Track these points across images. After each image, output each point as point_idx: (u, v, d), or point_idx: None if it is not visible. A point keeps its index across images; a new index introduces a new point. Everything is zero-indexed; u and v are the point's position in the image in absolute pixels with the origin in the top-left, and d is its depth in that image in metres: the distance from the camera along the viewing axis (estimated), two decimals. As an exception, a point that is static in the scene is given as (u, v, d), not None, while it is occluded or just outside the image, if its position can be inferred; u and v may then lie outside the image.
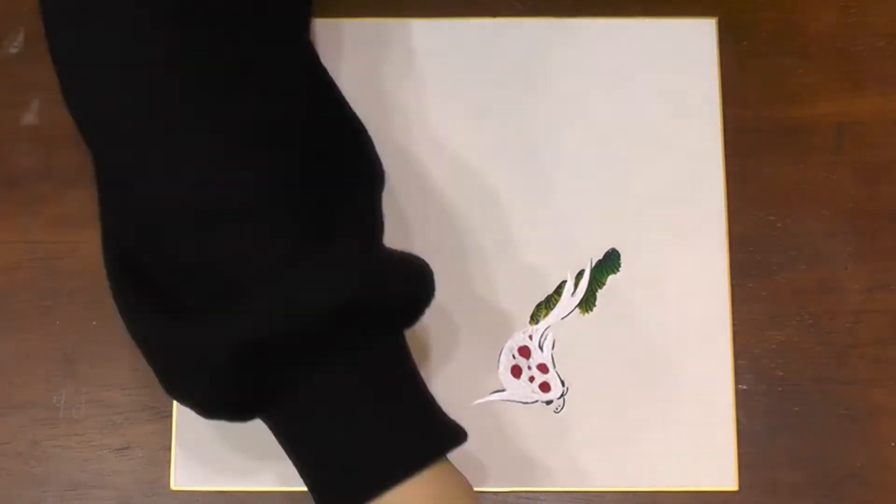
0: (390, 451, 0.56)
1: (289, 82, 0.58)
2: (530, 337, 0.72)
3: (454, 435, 0.58)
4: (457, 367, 0.71)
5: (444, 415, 0.59)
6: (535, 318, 0.72)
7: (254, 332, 0.53)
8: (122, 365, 0.71)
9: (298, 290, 0.53)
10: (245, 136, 0.55)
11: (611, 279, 0.72)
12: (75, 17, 0.55)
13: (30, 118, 0.74)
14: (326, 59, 0.75)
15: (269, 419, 0.58)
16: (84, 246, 0.72)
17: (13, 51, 0.75)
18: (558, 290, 0.72)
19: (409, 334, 0.71)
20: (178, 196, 0.54)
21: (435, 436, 0.58)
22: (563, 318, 0.71)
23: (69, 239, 0.73)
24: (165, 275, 0.56)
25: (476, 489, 0.69)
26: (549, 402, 0.71)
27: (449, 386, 0.71)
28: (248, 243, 0.54)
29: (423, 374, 0.71)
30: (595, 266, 0.72)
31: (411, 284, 0.58)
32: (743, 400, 0.70)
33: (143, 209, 0.55)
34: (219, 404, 0.56)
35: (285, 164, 0.55)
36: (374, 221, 0.59)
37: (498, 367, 0.71)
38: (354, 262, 0.55)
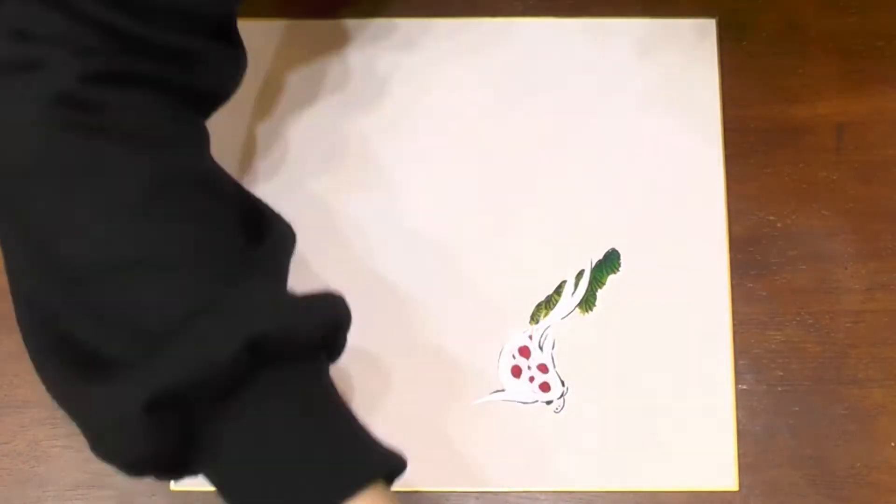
0: (320, 483, 0.54)
1: (193, 140, 0.59)
2: (530, 337, 0.72)
3: (384, 461, 0.57)
4: (457, 367, 0.71)
5: (377, 443, 0.57)
6: (535, 318, 0.72)
7: (164, 381, 0.52)
8: (122, 365, 0.71)
9: (207, 335, 0.53)
10: (156, 190, 0.55)
11: (611, 279, 0.72)
12: None
13: (30, 118, 0.74)
14: (327, 60, 0.75)
15: (199, 471, 0.57)
16: (84, 246, 0.72)
17: (13, 51, 0.75)
18: (558, 290, 0.72)
19: (410, 334, 0.71)
20: (95, 251, 0.55)
21: (365, 463, 0.56)
22: (563, 318, 0.72)
23: (69, 239, 0.72)
24: (86, 330, 0.56)
25: (476, 489, 0.69)
26: (549, 402, 0.71)
27: (449, 386, 0.71)
28: (159, 293, 0.54)
29: (424, 373, 0.71)
30: (595, 266, 0.72)
31: (320, 316, 0.57)
32: (743, 400, 0.70)
33: (65, 265, 0.55)
34: (141, 461, 0.55)
35: (196, 218, 0.56)
36: (279, 271, 0.60)
37: (498, 367, 0.71)
38: (259, 301, 0.55)
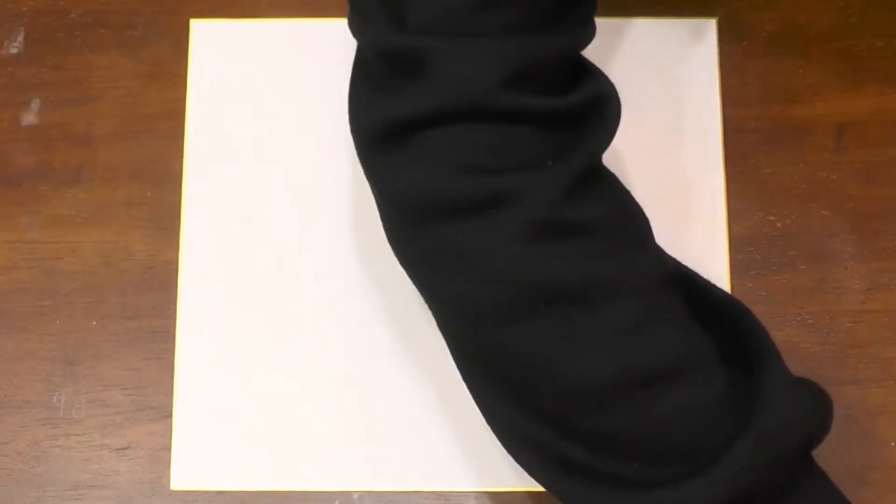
0: None
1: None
2: (530, 337, 0.71)
3: None
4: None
5: None
6: (535, 318, 0.72)
7: (733, 486, 0.54)
8: (122, 365, 0.71)
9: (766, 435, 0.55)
10: (653, 300, 0.57)
11: (611, 279, 0.72)
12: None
13: (30, 118, 0.74)
14: (329, 61, 0.75)
15: None
16: (84, 246, 0.72)
17: (13, 51, 0.75)
18: (558, 290, 0.72)
19: (410, 333, 0.71)
20: (612, 368, 0.55)
21: None
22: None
23: (69, 239, 0.73)
24: (584, 447, 0.56)
25: (476, 489, 0.69)
26: (549, 402, 0.70)
27: (449, 386, 0.71)
28: (692, 405, 0.55)
29: (424, 373, 0.71)
30: (595, 266, 0.72)
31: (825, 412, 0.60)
32: (743, 400, 0.70)
33: (559, 389, 0.56)
34: None
35: (685, 322, 0.58)
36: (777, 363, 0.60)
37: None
38: (802, 403, 0.57)
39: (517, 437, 0.59)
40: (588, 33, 0.60)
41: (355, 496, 0.69)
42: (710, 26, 0.75)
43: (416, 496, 0.69)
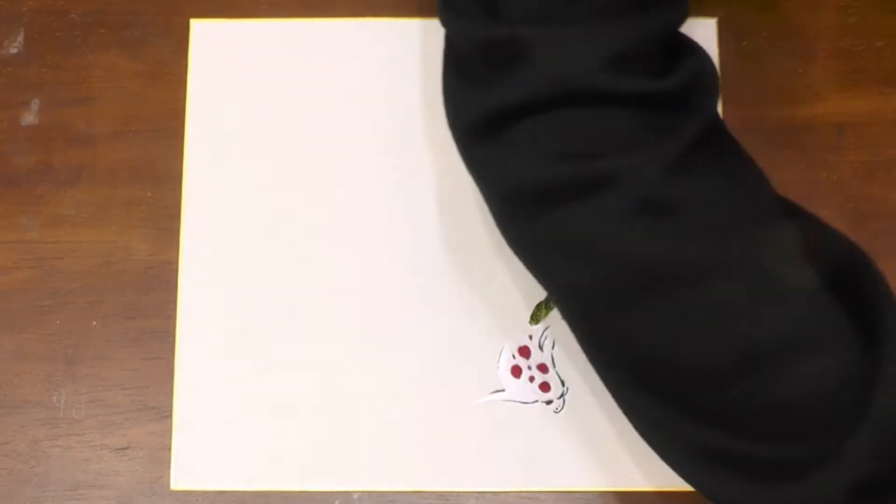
0: None
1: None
2: (530, 337, 0.72)
3: None
4: (457, 367, 0.71)
5: None
6: (535, 318, 0.72)
7: (864, 469, 0.53)
8: (122, 365, 0.71)
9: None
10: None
11: (611, 279, 0.72)
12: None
13: (30, 118, 0.74)
14: (329, 61, 0.75)
15: None
16: (84, 246, 0.72)
17: (13, 51, 0.75)
18: (558, 290, 0.72)
19: (410, 334, 0.71)
20: (718, 351, 0.55)
21: None
22: (563, 318, 0.71)
23: (69, 239, 0.73)
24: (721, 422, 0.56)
25: (476, 489, 0.69)
26: (549, 402, 0.71)
27: (449, 386, 0.71)
28: (815, 380, 0.54)
29: (424, 373, 0.71)
30: (595, 266, 0.72)
31: None
32: (743, 400, 0.70)
33: (679, 370, 0.55)
34: None
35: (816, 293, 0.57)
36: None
37: (498, 367, 0.71)
38: None
39: (649, 424, 0.59)
40: (682, 11, 0.60)
41: (355, 496, 0.69)
42: (710, 26, 0.75)
43: (416, 496, 0.69)
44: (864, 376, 0.54)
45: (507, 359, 0.71)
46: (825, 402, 0.54)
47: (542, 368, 0.71)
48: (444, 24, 0.61)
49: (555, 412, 0.70)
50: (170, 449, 0.70)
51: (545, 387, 0.71)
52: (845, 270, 0.57)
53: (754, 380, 0.55)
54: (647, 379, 0.57)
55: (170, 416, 0.70)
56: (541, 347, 0.71)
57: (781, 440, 0.55)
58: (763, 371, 0.54)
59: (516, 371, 0.71)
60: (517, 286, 0.72)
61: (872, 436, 0.53)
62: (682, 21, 0.60)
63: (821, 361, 0.55)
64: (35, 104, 0.74)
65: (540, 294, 0.72)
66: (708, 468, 0.57)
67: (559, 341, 0.71)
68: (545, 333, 0.71)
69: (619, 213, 0.55)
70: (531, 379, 0.71)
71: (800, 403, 0.54)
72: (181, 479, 0.70)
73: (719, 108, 0.74)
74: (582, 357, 0.71)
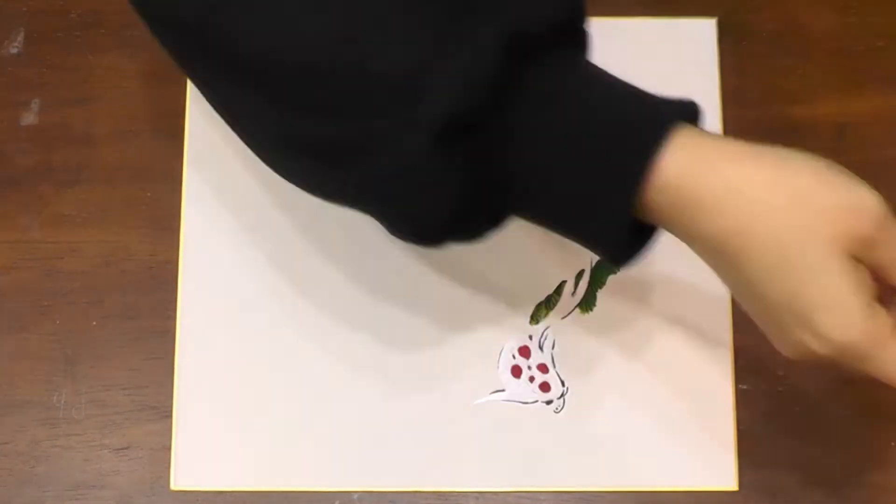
0: (648, 118, 0.54)
1: None
2: (530, 337, 0.72)
3: (686, 102, 0.56)
4: (457, 367, 0.71)
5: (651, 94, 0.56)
6: (535, 318, 0.72)
7: (442, 108, 0.52)
8: (122, 365, 0.71)
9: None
10: None
11: (611, 279, 0.72)
12: None
13: (30, 118, 0.74)
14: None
15: (505, 192, 0.55)
16: (84, 246, 0.72)
17: (13, 51, 0.75)
18: (558, 290, 0.72)
19: (410, 334, 0.71)
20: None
21: (675, 101, 0.55)
22: (563, 318, 0.71)
23: (69, 239, 0.73)
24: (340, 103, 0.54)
25: (476, 489, 0.69)
26: (549, 402, 0.71)
27: (449, 386, 0.71)
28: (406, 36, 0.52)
29: (424, 373, 0.71)
30: (595, 266, 0.72)
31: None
32: (743, 400, 0.70)
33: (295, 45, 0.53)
34: (449, 202, 0.54)
35: None
36: None
37: (498, 367, 0.71)
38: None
39: (242, 116, 0.58)
40: None
41: (355, 496, 0.69)
42: (710, 26, 0.75)
43: (416, 496, 0.69)
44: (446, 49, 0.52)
45: (507, 359, 0.71)
46: (409, 79, 0.52)
47: (542, 368, 0.71)
48: None
49: (555, 412, 0.70)
50: (170, 449, 0.70)
51: (545, 387, 0.71)
52: None
53: (341, 62, 0.53)
54: (244, 75, 0.55)
55: (170, 416, 0.70)
56: (541, 347, 0.71)
57: (365, 117, 0.53)
58: (350, 51, 0.53)
59: (516, 371, 0.71)
60: (517, 286, 0.72)
61: (449, 86, 0.51)
62: None
63: (405, 38, 0.53)
64: (35, 104, 0.74)
65: (540, 294, 0.72)
66: (295, 156, 0.56)
67: (559, 341, 0.71)
68: (545, 333, 0.71)
69: None
70: (531, 379, 0.71)
71: (384, 81, 0.52)
72: (181, 479, 0.70)
73: (719, 108, 0.74)
74: (582, 357, 0.71)
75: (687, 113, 0.55)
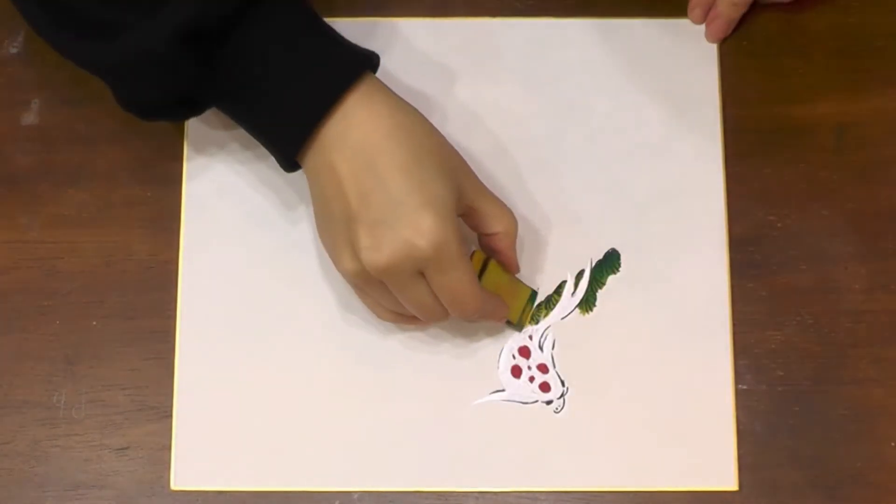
0: (328, 70, 0.65)
1: None
2: (530, 337, 0.72)
3: (370, 56, 0.67)
4: (457, 367, 0.71)
5: (355, 45, 0.67)
6: (534, 319, 0.72)
7: (182, 17, 0.62)
8: (122, 365, 0.71)
9: None
10: None
11: (611, 279, 0.72)
12: None
13: (30, 118, 0.74)
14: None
15: (219, 91, 0.66)
16: (84, 246, 0.72)
17: (13, 51, 0.75)
18: (558, 290, 0.72)
19: (410, 334, 0.71)
20: None
21: (360, 55, 0.66)
22: (563, 318, 0.71)
23: (69, 239, 0.73)
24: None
25: (476, 489, 0.69)
26: (549, 402, 0.71)
27: (449, 386, 0.71)
28: None
29: (424, 373, 0.71)
30: (595, 266, 0.72)
31: None
32: (743, 400, 0.70)
33: None
34: (174, 86, 0.65)
35: None
36: None
37: (498, 367, 0.71)
38: None
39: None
40: None
41: (355, 496, 0.69)
42: (710, 26, 0.75)
43: (416, 496, 0.69)
44: None
45: (507, 359, 0.71)
46: None
47: (542, 368, 0.71)
48: None
49: (555, 412, 0.70)
50: (170, 449, 0.70)
51: (545, 387, 0.71)
52: None
53: None
54: None
55: (170, 416, 0.70)
56: (541, 347, 0.71)
57: (113, 7, 0.63)
58: None
59: (516, 371, 0.71)
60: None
61: None
62: None
63: None
64: (35, 104, 0.74)
65: (540, 294, 0.72)
66: (57, 29, 0.66)
67: (559, 341, 0.71)
68: (545, 333, 0.71)
69: None
70: (531, 379, 0.71)
71: None
72: (181, 479, 0.70)
73: (718, 108, 0.74)
74: (582, 357, 0.71)
75: (370, 64, 0.66)
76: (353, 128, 0.64)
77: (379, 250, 0.63)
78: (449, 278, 0.64)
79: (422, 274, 0.64)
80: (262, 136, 0.67)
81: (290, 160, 0.66)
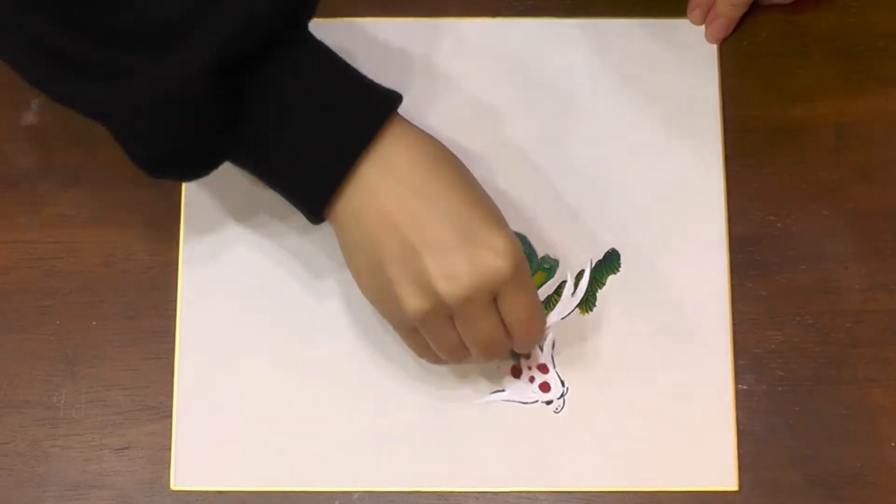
0: (356, 114, 0.61)
1: None
2: (530, 337, 0.72)
3: (395, 95, 0.63)
4: (457, 368, 0.71)
5: (379, 85, 0.63)
6: (535, 318, 0.72)
7: (215, 46, 0.57)
8: (122, 365, 0.71)
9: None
10: None
11: (611, 279, 0.72)
12: None
13: (30, 118, 0.74)
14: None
15: (240, 142, 0.61)
16: (84, 246, 0.72)
17: (13, 51, 0.75)
18: (558, 290, 0.72)
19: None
20: None
21: (385, 95, 0.62)
22: (563, 318, 0.71)
23: (69, 239, 0.73)
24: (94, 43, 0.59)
25: (476, 489, 0.69)
26: (549, 402, 0.71)
27: (449, 386, 0.71)
28: None
29: (424, 373, 0.71)
30: (595, 266, 0.72)
31: None
32: (743, 400, 0.70)
33: None
34: (196, 131, 0.60)
35: None
36: None
37: (498, 368, 0.71)
38: None
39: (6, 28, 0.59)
40: None
41: (355, 496, 0.69)
42: (710, 26, 0.75)
43: (416, 496, 0.69)
44: None
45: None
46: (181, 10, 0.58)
47: (542, 368, 0.71)
48: None
49: (555, 412, 0.70)
50: (170, 449, 0.70)
51: (545, 387, 0.71)
52: None
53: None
54: None
55: (170, 416, 0.70)
56: (541, 347, 0.71)
57: (128, 49, 0.58)
58: None
59: (516, 371, 0.71)
60: (517, 286, 0.72)
61: (218, 20, 0.57)
62: None
63: None
64: (35, 104, 0.74)
65: (540, 294, 0.72)
66: (53, 71, 0.59)
67: (559, 341, 0.71)
68: (545, 333, 0.71)
69: None
70: (531, 379, 0.71)
71: (157, 17, 0.58)
72: (181, 479, 0.70)
73: (719, 108, 0.74)
74: (582, 357, 0.71)
75: (392, 104, 0.62)
76: (393, 163, 0.60)
77: (456, 278, 0.59)
78: (524, 297, 0.62)
79: (495, 299, 0.61)
80: (286, 184, 0.63)
81: (318, 209, 0.62)
